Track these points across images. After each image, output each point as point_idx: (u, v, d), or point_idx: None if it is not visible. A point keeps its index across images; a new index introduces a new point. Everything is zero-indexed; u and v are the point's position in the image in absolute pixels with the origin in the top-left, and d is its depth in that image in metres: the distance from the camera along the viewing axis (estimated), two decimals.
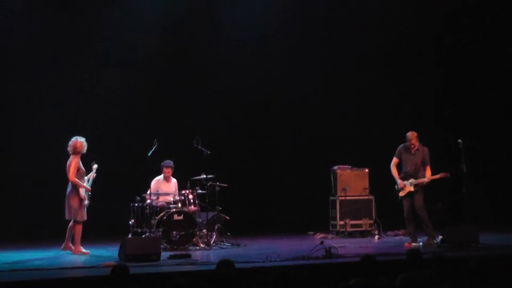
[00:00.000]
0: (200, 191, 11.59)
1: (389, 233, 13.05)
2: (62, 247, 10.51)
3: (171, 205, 11.41)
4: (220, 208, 11.75)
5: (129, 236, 10.87)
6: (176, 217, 11.00)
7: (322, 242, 9.91)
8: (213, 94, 14.10)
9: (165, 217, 10.96)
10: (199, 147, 11.58)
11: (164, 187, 11.75)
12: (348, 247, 11.06)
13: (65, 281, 8.27)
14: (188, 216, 11.06)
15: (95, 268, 9.01)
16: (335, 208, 13.19)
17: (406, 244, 11.17)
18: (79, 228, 10.49)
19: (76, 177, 10.39)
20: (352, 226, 13.08)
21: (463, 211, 11.59)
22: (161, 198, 11.58)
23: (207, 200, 11.67)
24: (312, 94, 14.48)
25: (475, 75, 14.58)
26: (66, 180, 10.50)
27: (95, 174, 10.69)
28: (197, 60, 14.04)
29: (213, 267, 6.53)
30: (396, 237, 12.70)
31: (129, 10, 13.51)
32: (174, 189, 11.82)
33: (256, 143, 14.29)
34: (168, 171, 11.75)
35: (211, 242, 11.25)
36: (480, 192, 13.74)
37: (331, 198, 13.34)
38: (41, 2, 13.32)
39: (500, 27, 14.40)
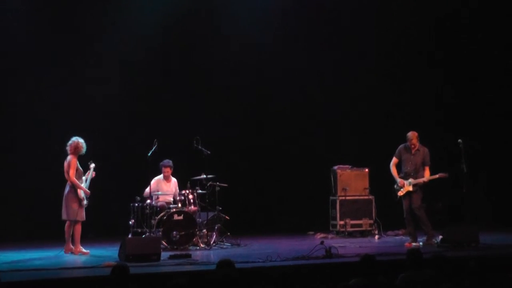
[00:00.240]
0: (200, 191, 11.59)
1: (389, 233, 13.05)
2: (64, 250, 10.51)
3: (171, 205, 11.41)
4: (220, 208, 11.75)
5: (129, 236, 10.86)
6: (176, 217, 11.00)
7: (322, 242, 9.91)
8: (213, 94, 14.10)
9: (165, 217, 10.96)
10: (199, 147, 11.58)
11: (164, 187, 11.75)
12: (348, 247, 11.06)
13: (65, 281, 8.28)
14: (188, 216, 11.06)
15: (95, 268, 9.01)
16: (335, 208, 13.19)
17: (406, 244, 11.18)
18: (78, 228, 10.50)
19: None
20: (352, 226, 13.08)
21: (463, 211, 11.60)
22: (161, 198, 11.59)
23: (207, 200, 11.67)
24: (312, 94, 14.48)
25: (475, 75, 14.58)
26: (65, 180, 10.51)
27: (93, 173, 10.69)
28: (197, 60, 14.04)
29: (213, 267, 6.54)
30: (396, 237, 12.70)
31: (129, 10, 13.50)
32: (174, 189, 11.82)
33: (256, 143, 14.28)
34: (167, 170, 11.74)
35: (211, 242, 11.25)
36: (480, 192, 13.74)
37: (331, 198, 13.34)
38: (41, 1, 13.31)
39: (500, 27, 14.40)
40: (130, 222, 11.11)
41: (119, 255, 9.86)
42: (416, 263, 6.34)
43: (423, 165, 11.21)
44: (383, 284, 5.92)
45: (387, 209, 12.89)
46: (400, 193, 11.20)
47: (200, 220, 11.43)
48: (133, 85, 13.69)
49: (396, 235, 12.90)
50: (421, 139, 11.29)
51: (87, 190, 10.56)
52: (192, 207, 11.34)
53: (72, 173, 10.40)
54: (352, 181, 13.30)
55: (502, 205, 14.12)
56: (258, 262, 9.17)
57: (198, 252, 10.65)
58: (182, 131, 13.20)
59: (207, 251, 10.86)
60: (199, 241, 11.16)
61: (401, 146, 11.37)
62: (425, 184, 11.16)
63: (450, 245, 10.49)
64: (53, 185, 10.90)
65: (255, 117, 14.37)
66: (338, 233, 13.03)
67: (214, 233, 11.46)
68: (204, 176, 11.63)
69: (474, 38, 14.49)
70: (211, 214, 11.83)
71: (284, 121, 14.40)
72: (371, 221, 13.12)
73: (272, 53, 14.23)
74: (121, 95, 13.57)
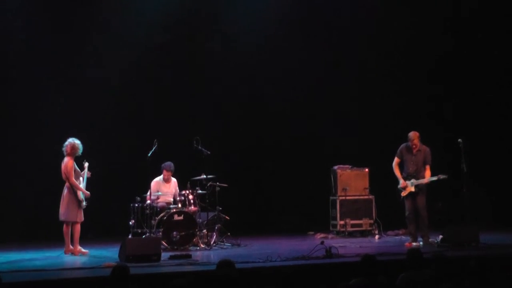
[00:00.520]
0: (200, 191, 11.59)
1: (389, 232, 13.05)
2: (64, 251, 10.51)
3: (171, 206, 11.41)
4: (220, 208, 11.75)
5: (129, 236, 10.87)
6: (176, 217, 11.00)
7: (322, 242, 9.91)
8: (213, 94, 14.10)
9: (165, 218, 10.96)
10: (199, 147, 11.58)
11: (164, 188, 11.75)
12: (348, 247, 11.06)
13: (65, 281, 8.28)
14: (188, 216, 11.06)
15: (96, 268, 9.01)
16: (335, 208, 13.19)
17: (406, 243, 11.18)
18: (78, 228, 10.51)
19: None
20: (352, 226, 13.08)
21: (463, 210, 11.60)
22: (161, 199, 11.59)
23: (207, 200, 11.67)
24: (312, 94, 14.48)
25: (475, 75, 14.58)
26: (64, 181, 10.53)
27: (88, 172, 10.70)
28: (197, 60, 14.05)
29: (214, 267, 6.53)
30: (396, 237, 12.70)
31: (129, 10, 13.50)
32: (174, 190, 11.82)
33: (256, 143, 14.29)
34: (168, 174, 11.75)
35: (212, 242, 11.26)
36: (480, 191, 13.73)
37: (331, 198, 13.34)
38: (40, 1, 13.31)
39: (500, 27, 14.41)
40: (130, 223, 11.11)
41: (119, 255, 9.85)
42: (416, 263, 6.34)
43: (424, 164, 11.22)
44: (383, 284, 5.92)
45: (387, 209, 12.90)
46: (403, 193, 11.21)
47: (200, 220, 11.44)
48: (133, 85, 13.68)
49: (396, 235, 12.90)
50: (421, 139, 11.28)
51: (87, 192, 10.57)
52: (192, 207, 11.34)
53: (70, 174, 10.41)
54: (352, 181, 13.30)
55: (502, 204, 14.12)
56: (258, 262, 9.16)
57: (198, 253, 10.64)
58: (182, 131, 13.20)
59: (207, 252, 10.86)
60: (199, 241, 11.16)
61: (403, 146, 11.37)
62: (427, 184, 11.17)
63: (450, 245, 10.50)
64: (53, 185, 10.89)
65: (255, 117, 14.36)
66: (338, 233, 13.03)
67: (214, 233, 11.46)
68: (204, 176, 11.64)
69: (474, 38, 14.49)
70: (211, 214, 11.83)
71: (284, 121, 14.40)
72: (371, 221, 13.12)
73: (272, 53, 14.23)
74: (121, 95, 13.57)
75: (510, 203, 14.05)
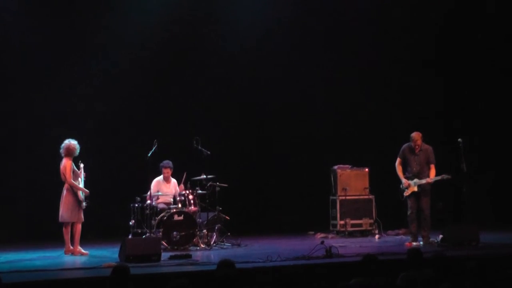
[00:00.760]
0: (200, 191, 11.59)
1: (390, 232, 13.05)
2: (64, 251, 10.52)
3: (171, 206, 11.41)
4: (220, 208, 11.75)
5: (130, 236, 10.86)
6: (176, 217, 10.99)
7: (322, 242, 9.91)
8: (213, 94, 14.09)
9: (165, 218, 10.96)
10: (199, 147, 11.58)
11: (164, 188, 11.75)
12: (348, 246, 11.06)
13: (65, 282, 8.29)
14: (188, 216, 11.06)
15: (96, 269, 9.01)
16: (335, 207, 13.19)
17: (406, 243, 11.19)
18: (78, 229, 10.51)
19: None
20: (353, 225, 13.08)
21: (464, 210, 11.60)
22: (161, 199, 11.58)
23: (207, 200, 11.67)
24: (312, 93, 14.47)
25: (475, 74, 14.58)
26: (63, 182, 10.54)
27: (84, 173, 10.71)
28: (197, 60, 14.04)
29: (214, 267, 6.54)
30: (397, 237, 12.71)
31: (129, 10, 13.49)
32: (174, 190, 11.82)
33: (256, 143, 14.29)
34: (167, 171, 11.74)
35: (212, 242, 11.25)
36: (481, 191, 13.74)
37: (331, 197, 13.34)
38: (39, 1, 13.31)
39: (500, 26, 14.42)
40: (130, 223, 11.11)
41: (119, 255, 9.85)
42: (416, 262, 6.34)
43: (428, 163, 11.22)
44: (383, 283, 5.92)
45: (387, 208, 12.91)
46: (406, 193, 11.21)
47: (200, 220, 11.43)
48: (133, 85, 13.67)
49: (397, 234, 12.91)
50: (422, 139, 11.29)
51: (86, 190, 10.57)
52: (192, 207, 11.34)
53: (69, 175, 10.41)
54: (352, 181, 13.30)
55: (502, 204, 14.12)
56: (259, 262, 9.16)
57: (198, 253, 10.64)
58: (182, 131, 13.20)
59: (208, 252, 10.85)
60: (200, 241, 11.16)
61: (405, 146, 11.36)
62: (430, 184, 11.17)
63: (451, 244, 10.51)
64: (54, 185, 10.89)
65: (255, 117, 14.36)
66: (338, 233, 13.03)
67: (214, 234, 11.45)
68: (204, 176, 11.63)
69: (474, 38, 14.50)
70: (211, 214, 11.83)
71: (284, 121, 14.39)
72: (371, 221, 13.12)
73: (273, 53, 14.22)
74: (121, 95, 13.55)
75: (510, 202, 14.05)
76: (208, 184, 11.65)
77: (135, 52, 13.53)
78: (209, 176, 11.66)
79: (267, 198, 14.26)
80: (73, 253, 10.48)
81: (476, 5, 14.42)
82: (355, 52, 14.32)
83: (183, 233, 10.91)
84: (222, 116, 14.13)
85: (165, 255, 9.80)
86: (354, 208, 13.12)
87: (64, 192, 10.48)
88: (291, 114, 14.43)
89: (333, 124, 14.39)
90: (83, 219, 10.56)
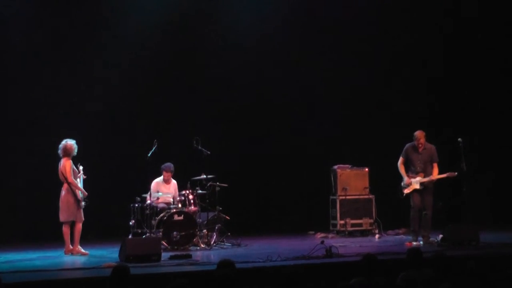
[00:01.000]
0: (200, 191, 11.59)
1: (390, 232, 13.06)
2: (64, 251, 10.52)
3: (171, 206, 11.41)
4: (220, 208, 11.75)
5: (130, 236, 10.86)
6: (176, 217, 10.99)
7: (322, 242, 9.92)
8: (213, 94, 14.08)
9: (165, 218, 10.95)
10: (199, 147, 11.58)
11: (164, 189, 11.74)
12: (348, 246, 11.07)
13: (65, 282, 8.29)
14: (189, 216, 11.06)
15: (96, 269, 9.01)
16: (335, 207, 13.19)
17: (406, 243, 11.20)
18: (78, 228, 10.52)
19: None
20: (353, 225, 13.08)
21: (464, 210, 11.60)
22: (161, 199, 11.58)
23: (207, 200, 11.67)
24: (312, 93, 14.47)
25: (476, 74, 14.58)
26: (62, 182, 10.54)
27: (84, 176, 10.71)
28: (197, 60, 14.03)
29: (214, 267, 6.54)
30: (397, 236, 12.71)
31: (129, 9, 13.48)
32: (174, 191, 11.81)
33: (256, 143, 14.28)
34: (168, 175, 11.73)
35: (212, 242, 11.25)
36: (481, 190, 13.74)
37: (331, 197, 13.34)
38: (38, 2, 13.30)
39: (501, 26, 14.42)
40: (130, 223, 11.11)
41: (119, 255, 9.86)
42: (416, 262, 6.34)
43: (431, 162, 11.23)
44: (383, 283, 5.92)
45: (387, 208, 12.91)
46: (407, 190, 11.21)
47: (200, 220, 11.43)
48: (133, 85, 13.67)
49: (397, 234, 12.91)
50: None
51: (85, 192, 10.58)
52: (192, 207, 11.33)
53: (69, 174, 10.42)
54: (352, 181, 13.30)
55: (502, 203, 14.12)
56: (259, 262, 9.17)
57: (198, 253, 10.64)
58: (182, 131, 13.20)
59: (208, 251, 10.86)
60: (200, 241, 11.16)
61: (408, 145, 11.36)
62: (433, 182, 11.17)
63: (451, 244, 10.51)
64: (54, 186, 10.88)
65: (255, 117, 14.34)
66: (338, 232, 13.03)
67: (215, 233, 11.45)
68: (204, 176, 11.63)
69: (474, 38, 14.50)
70: (211, 214, 11.83)
71: (284, 121, 14.38)
72: (371, 221, 13.12)
73: (272, 53, 14.21)
74: (121, 95, 13.55)
75: (510, 202, 14.05)
76: (208, 184, 11.65)
77: (135, 52, 13.53)
78: (209, 176, 11.66)
79: (267, 198, 14.26)
80: (73, 253, 10.48)
81: (476, 5, 14.41)
82: (355, 52, 14.31)
83: (183, 233, 10.91)
84: (222, 116, 14.13)
85: (165, 255, 9.80)
86: (354, 208, 13.12)
87: (63, 192, 10.49)
88: (291, 114, 14.42)
89: (333, 124, 14.37)
90: (83, 219, 10.56)
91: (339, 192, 13.19)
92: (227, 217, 11.80)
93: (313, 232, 13.33)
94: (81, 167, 10.70)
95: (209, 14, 14.08)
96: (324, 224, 13.31)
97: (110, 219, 12.62)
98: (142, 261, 9.34)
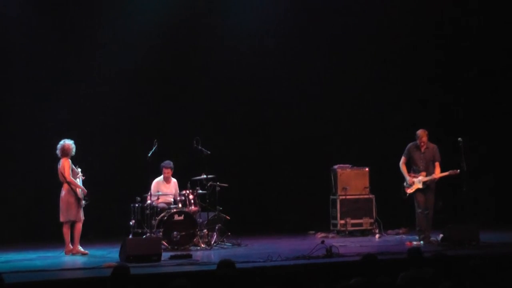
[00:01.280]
0: (200, 191, 11.58)
1: (390, 232, 13.04)
2: (64, 251, 10.52)
3: (171, 206, 11.40)
4: (221, 208, 11.74)
5: (130, 236, 10.86)
6: (176, 217, 10.99)
7: (323, 242, 9.92)
8: (213, 94, 14.07)
9: (165, 218, 10.95)
10: (199, 147, 11.58)
11: (164, 188, 11.74)
12: (348, 246, 11.07)
13: (66, 282, 8.30)
14: (189, 216, 11.06)
15: (96, 269, 9.02)
16: (335, 207, 13.18)
17: (407, 242, 11.20)
18: (79, 228, 10.53)
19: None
20: (353, 225, 13.07)
21: (464, 209, 11.60)
22: (162, 199, 11.58)
23: (208, 200, 11.66)
24: (312, 93, 14.46)
25: (476, 74, 14.57)
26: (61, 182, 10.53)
27: (83, 177, 10.71)
28: (197, 60, 14.02)
29: (214, 267, 6.53)
30: (397, 236, 12.70)
31: (129, 10, 13.48)
32: (174, 190, 11.81)
33: (256, 143, 14.27)
34: (168, 171, 11.73)
35: (212, 242, 11.25)
36: (481, 190, 13.73)
37: (332, 197, 13.33)
38: (38, 2, 13.30)
39: (501, 26, 14.42)
40: (131, 223, 11.11)
41: (119, 255, 9.86)
42: (416, 261, 6.34)
43: (433, 161, 11.23)
44: (383, 283, 5.91)
45: (387, 208, 12.91)
46: (410, 190, 11.21)
47: (201, 220, 11.43)
48: (133, 85, 13.66)
49: (397, 234, 12.90)
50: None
51: (85, 190, 10.58)
52: (193, 207, 11.33)
53: (68, 173, 10.42)
54: (352, 180, 13.29)
55: (502, 203, 14.11)
56: (259, 262, 9.17)
57: (198, 252, 10.64)
58: (182, 131, 13.19)
59: (208, 251, 10.86)
60: (200, 241, 11.15)
61: (411, 144, 11.36)
62: (435, 181, 11.16)
63: (451, 243, 10.51)
64: (53, 186, 10.89)
65: (255, 117, 14.35)
66: (338, 232, 13.03)
67: (215, 233, 11.45)
68: (204, 176, 11.63)
69: (475, 37, 14.50)
70: (211, 214, 11.83)
71: (284, 121, 14.38)
72: (372, 220, 13.11)
73: (272, 53, 14.21)
74: (121, 95, 13.55)
75: (510, 202, 14.04)
76: (208, 184, 11.65)
77: (135, 52, 13.52)
78: (209, 176, 11.66)
79: (267, 198, 14.25)
80: (73, 253, 10.48)
81: (476, 5, 14.42)
82: (355, 52, 14.30)
83: (184, 233, 10.91)
84: (222, 116, 14.12)
85: (165, 255, 9.80)
86: (354, 208, 13.11)
87: (63, 192, 10.50)
88: (291, 114, 14.42)
89: (333, 123, 14.37)
90: (83, 218, 10.57)
91: (339, 192, 13.19)
92: (227, 217, 11.80)
93: (313, 232, 13.32)
94: (79, 169, 10.71)
95: (210, 14, 14.07)
96: (324, 224, 13.31)
97: (110, 219, 12.62)
98: (142, 261, 9.35)
